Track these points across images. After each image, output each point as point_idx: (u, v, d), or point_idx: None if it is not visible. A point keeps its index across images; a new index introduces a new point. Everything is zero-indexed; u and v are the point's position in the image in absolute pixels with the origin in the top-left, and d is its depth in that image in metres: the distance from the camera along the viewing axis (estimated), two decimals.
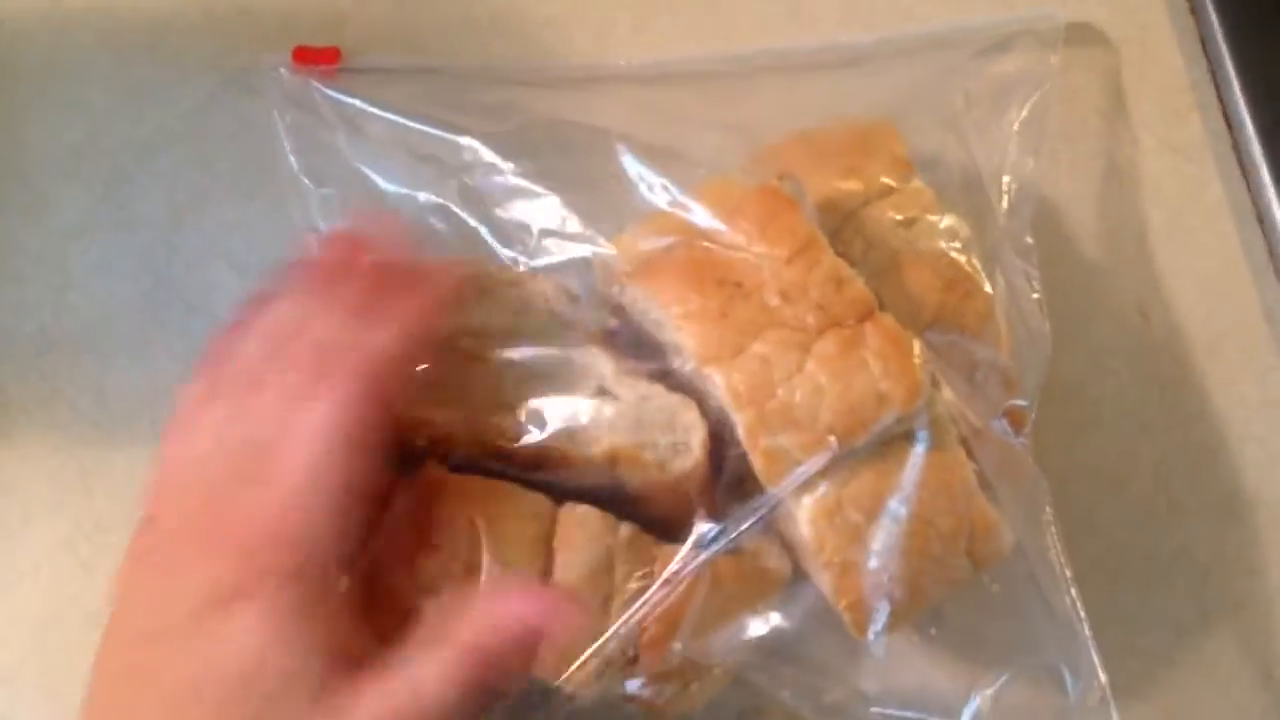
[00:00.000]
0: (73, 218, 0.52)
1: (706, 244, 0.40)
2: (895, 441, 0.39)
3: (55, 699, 0.47)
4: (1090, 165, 0.54)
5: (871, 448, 0.39)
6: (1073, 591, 0.43)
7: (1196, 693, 0.48)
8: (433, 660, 0.34)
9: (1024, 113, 0.49)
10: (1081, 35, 0.55)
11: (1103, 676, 0.43)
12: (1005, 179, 0.48)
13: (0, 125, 0.53)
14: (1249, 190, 0.54)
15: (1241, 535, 0.50)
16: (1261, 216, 0.53)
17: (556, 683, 0.40)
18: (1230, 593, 0.49)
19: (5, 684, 0.47)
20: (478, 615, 0.35)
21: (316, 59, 0.49)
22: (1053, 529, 0.44)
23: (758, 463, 0.38)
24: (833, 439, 0.38)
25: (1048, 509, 0.44)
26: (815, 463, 0.38)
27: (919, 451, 0.38)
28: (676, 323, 0.40)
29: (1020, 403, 0.43)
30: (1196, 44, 0.55)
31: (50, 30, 0.54)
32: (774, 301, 0.39)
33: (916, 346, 0.39)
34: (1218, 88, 0.55)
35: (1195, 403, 0.51)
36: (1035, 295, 0.46)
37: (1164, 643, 0.49)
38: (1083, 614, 0.43)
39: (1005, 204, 0.48)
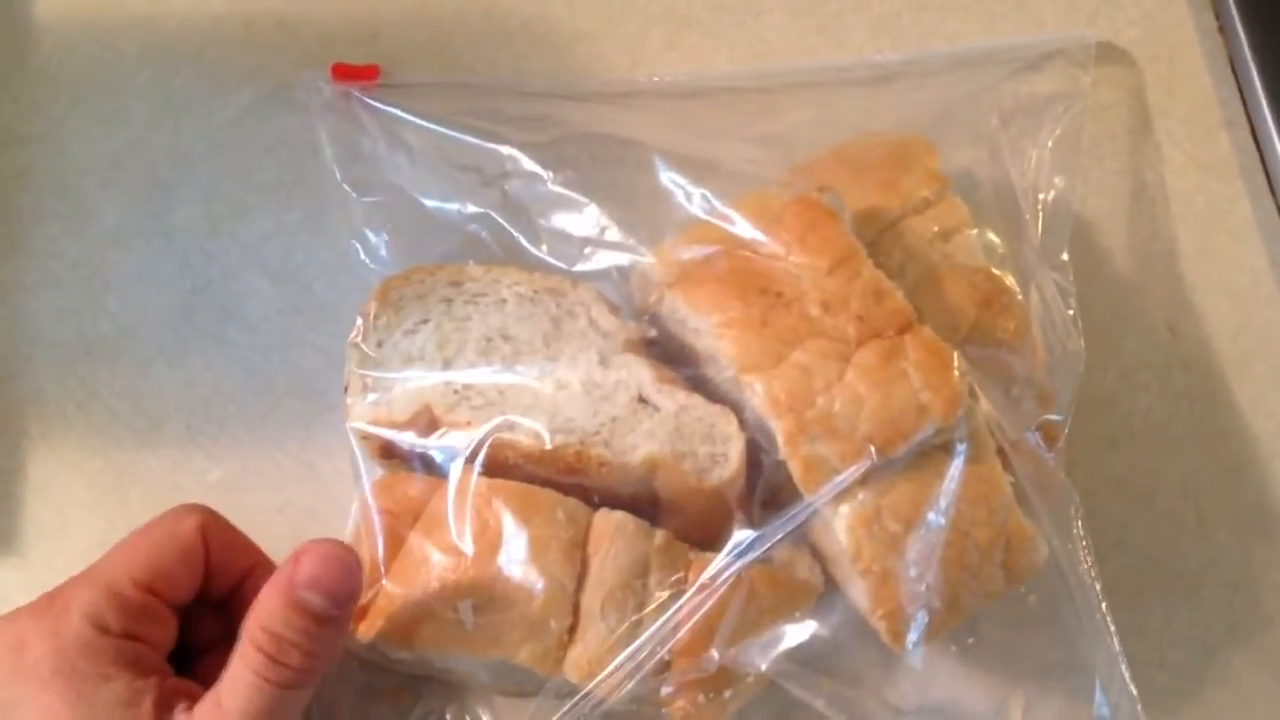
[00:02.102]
0: (112, 225, 0.53)
1: (747, 254, 0.41)
2: (934, 452, 0.39)
3: None
4: (1119, 182, 0.54)
5: (910, 458, 0.39)
6: (1103, 606, 0.43)
7: (1224, 708, 0.48)
8: (232, 664, 0.37)
9: (1057, 131, 0.50)
10: (1111, 55, 0.55)
11: (1133, 690, 0.43)
12: (1039, 196, 0.48)
13: (41, 134, 0.54)
14: (1277, 207, 0.54)
15: (1270, 551, 0.50)
16: None
17: (589, 685, 0.40)
18: (1259, 608, 0.49)
19: None
20: (257, 602, 0.36)
21: (355, 75, 0.50)
22: (1084, 543, 0.44)
23: (797, 470, 0.39)
24: (872, 448, 0.38)
25: (1078, 523, 0.44)
26: (854, 471, 0.38)
27: (958, 463, 0.39)
28: (717, 330, 0.40)
29: (1054, 418, 0.43)
30: (1225, 63, 0.56)
31: (92, 41, 0.55)
32: (814, 311, 0.39)
33: (956, 359, 0.39)
34: (1246, 106, 0.55)
35: (1224, 418, 0.51)
36: (1070, 312, 0.46)
37: (1192, 658, 0.49)
38: (1112, 628, 0.43)
39: (1040, 221, 0.48)
